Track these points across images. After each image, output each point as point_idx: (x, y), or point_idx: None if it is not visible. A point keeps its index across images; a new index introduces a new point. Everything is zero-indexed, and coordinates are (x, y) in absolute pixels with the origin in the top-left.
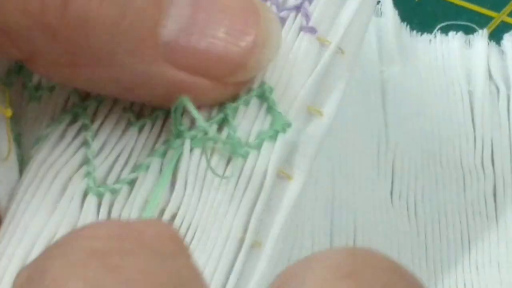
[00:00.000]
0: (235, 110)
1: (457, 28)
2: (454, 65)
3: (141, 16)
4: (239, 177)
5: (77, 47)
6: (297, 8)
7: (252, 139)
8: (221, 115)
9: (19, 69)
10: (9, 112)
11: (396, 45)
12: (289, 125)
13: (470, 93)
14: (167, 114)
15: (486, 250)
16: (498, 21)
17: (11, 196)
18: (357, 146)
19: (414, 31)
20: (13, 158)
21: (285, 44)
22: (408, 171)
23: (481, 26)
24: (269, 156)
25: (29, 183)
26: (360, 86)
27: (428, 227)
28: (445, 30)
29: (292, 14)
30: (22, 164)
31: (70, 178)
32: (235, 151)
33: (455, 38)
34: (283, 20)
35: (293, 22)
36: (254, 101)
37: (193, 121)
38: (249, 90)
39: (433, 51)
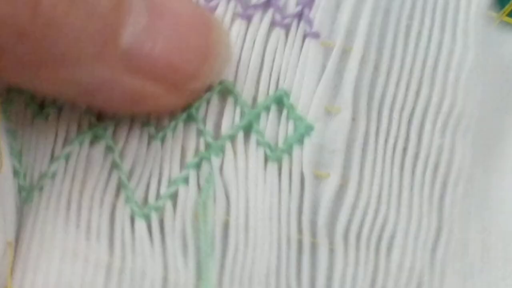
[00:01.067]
0: (258, 116)
1: None
2: None
3: (103, 22)
4: (279, 181)
5: (43, 48)
6: (299, 15)
7: (280, 144)
8: (244, 122)
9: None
10: None
11: None
12: (311, 128)
13: None
14: (185, 121)
15: None
16: (497, 21)
17: (7, 209)
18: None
19: None
20: (7, 171)
21: (293, 51)
22: None
23: None
24: (301, 159)
25: (57, 209)
26: None
27: None
28: None
29: (295, 21)
30: (24, 179)
31: (114, 206)
32: (269, 155)
33: None
34: (287, 27)
35: (297, 29)
36: (274, 107)
37: (217, 128)
38: (266, 96)
39: None
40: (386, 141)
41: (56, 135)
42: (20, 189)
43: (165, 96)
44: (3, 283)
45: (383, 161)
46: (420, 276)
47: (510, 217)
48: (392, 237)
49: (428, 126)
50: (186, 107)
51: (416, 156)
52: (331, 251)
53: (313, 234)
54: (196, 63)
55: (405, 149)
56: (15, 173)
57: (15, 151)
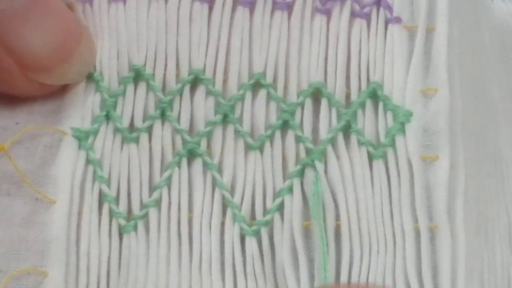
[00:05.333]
0: (354, 114)
1: None
2: None
3: None
4: (388, 176)
5: None
6: (378, 2)
7: (382, 138)
8: (342, 123)
9: (107, 115)
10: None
11: None
12: (410, 114)
13: None
14: (281, 128)
15: None
16: None
17: None
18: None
19: None
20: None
21: (377, 40)
22: None
23: None
24: (406, 147)
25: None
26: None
27: None
28: None
29: (375, 9)
30: (117, 205)
31: (223, 228)
32: (372, 153)
33: None
34: (367, 16)
35: (377, 16)
36: (369, 102)
37: (315, 133)
38: (359, 92)
39: None
40: None
41: (151, 157)
42: (114, 216)
43: (18, 77)
44: None
45: None
46: None
47: None
48: None
49: None
50: (281, 115)
51: None
52: (453, 234)
53: (431, 218)
54: (54, 60)
55: None
56: (105, 198)
57: (102, 180)
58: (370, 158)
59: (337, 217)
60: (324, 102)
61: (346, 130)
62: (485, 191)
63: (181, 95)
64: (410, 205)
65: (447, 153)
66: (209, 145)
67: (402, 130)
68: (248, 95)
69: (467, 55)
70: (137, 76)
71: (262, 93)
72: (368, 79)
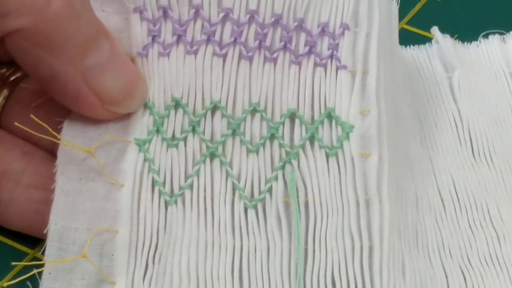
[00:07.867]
0: (317, 129)
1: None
2: (497, 57)
3: (83, 39)
4: (339, 167)
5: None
6: (331, 56)
7: (334, 143)
8: (308, 134)
9: (157, 129)
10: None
11: (455, 57)
12: (353, 126)
13: (511, 75)
14: (270, 138)
15: None
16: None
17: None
18: (439, 130)
19: (465, 42)
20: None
21: (331, 81)
22: (480, 135)
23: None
24: (350, 148)
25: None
26: (434, 92)
27: (502, 168)
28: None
29: (330, 60)
30: (164, 187)
31: (233, 203)
32: (328, 153)
33: (494, 39)
34: (324, 66)
35: (331, 65)
36: (326, 120)
37: (291, 140)
38: (320, 114)
39: (480, 51)
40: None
41: (186, 157)
42: (162, 194)
43: (97, 106)
44: None
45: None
46: None
47: None
48: None
49: None
50: (270, 130)
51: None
52: (381, 203)
53: (366, 193)
54: (122, 97)
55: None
56: (156, 183)
57: (154, 171)
58: (327, 156)
59: (306, 195)
60: (297, 121)
61: (312, 139)
62: (401, 175)
63: (205, 117)
64: (353, 185)
65: (376, 151)
66: (223, 149)
67: (348, 137)
68: (249, 117)
69: (388, 87)
70: (177, 104)
71: (258, 116)
72: (325, 106)
